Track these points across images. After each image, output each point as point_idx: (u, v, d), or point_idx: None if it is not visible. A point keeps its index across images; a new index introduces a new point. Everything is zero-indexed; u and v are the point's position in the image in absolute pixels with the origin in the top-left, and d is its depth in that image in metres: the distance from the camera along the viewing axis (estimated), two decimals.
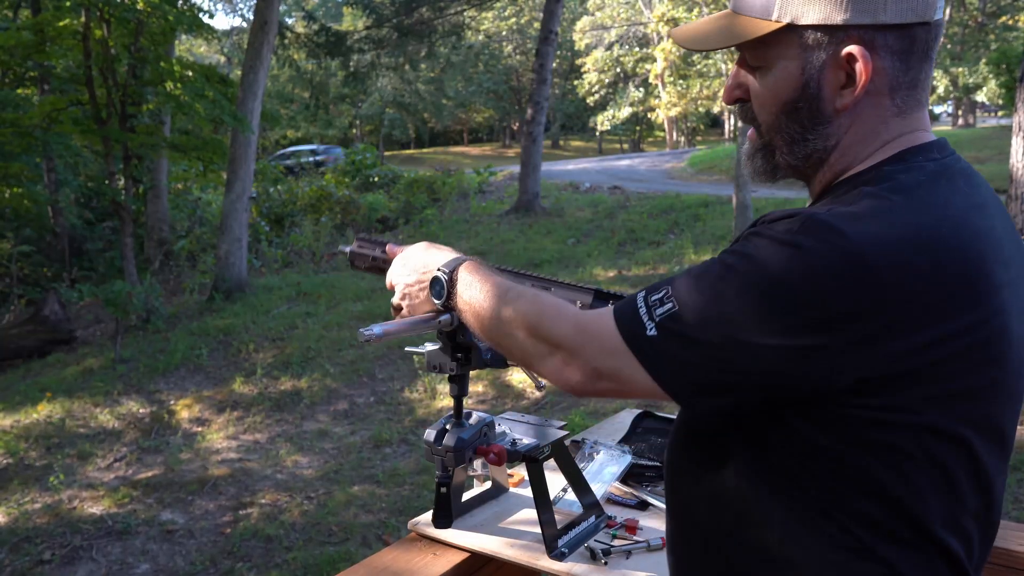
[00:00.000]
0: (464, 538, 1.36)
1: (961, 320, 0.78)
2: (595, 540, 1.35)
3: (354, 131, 37.34)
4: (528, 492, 1.37)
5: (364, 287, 9.37)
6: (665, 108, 29.74)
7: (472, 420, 1.36)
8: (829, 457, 0.81)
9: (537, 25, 25.77)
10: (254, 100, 9.46)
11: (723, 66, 26.62)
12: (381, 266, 1.33)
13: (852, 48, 0.84)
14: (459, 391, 1.34)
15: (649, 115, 33.81)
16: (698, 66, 28.53)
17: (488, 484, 1.54)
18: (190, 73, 9.59)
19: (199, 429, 6.02)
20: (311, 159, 23.30)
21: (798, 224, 0.79)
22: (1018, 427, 0.93)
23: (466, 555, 1.34)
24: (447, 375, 1.32)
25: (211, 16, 36.44)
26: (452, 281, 1.05)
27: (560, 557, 1.28)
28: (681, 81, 28.72)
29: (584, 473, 1.47)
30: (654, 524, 1.43)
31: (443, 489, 1.36)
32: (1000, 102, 19.66)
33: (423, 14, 15.23)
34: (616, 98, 33.15)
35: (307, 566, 3.85)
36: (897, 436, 0.80)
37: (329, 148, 25.33)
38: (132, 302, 8.15)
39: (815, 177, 0.93)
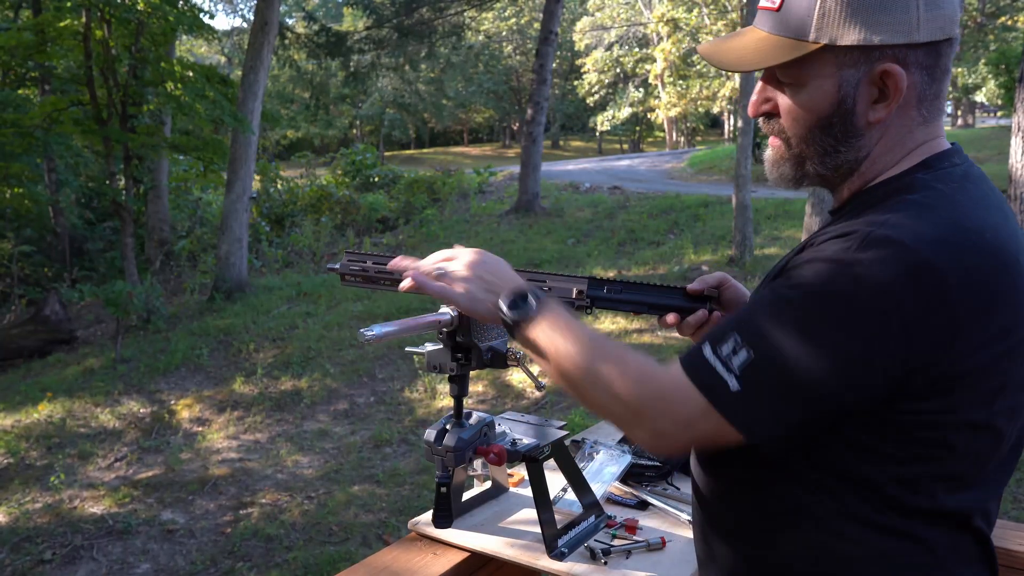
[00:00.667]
0: (464, 538, 1.36)
1: (1008, 318, 0.82)
2: (595, 540, 1.35)
3: (354, 131, 37.34)
4: (528, 492, 1.38)
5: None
6: (665, 108, 29.75)
7: (472, 420, 1.36)
8: (877, 456, 0.85)
9: (537, 25, 25.76)
10: (254, 100, 9.46)
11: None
12: (373, 277, 1.31)
13: (888, 66, 0.87)
14: (459, 391, 1.34)
15: (649, 115, 33.81)
16: (698, 67, 28.52)
17: (488, 484, 1.55)
18: (191, 73, 9.59)
19: (199, 429, 6.03)
20: None
21: (856, 242, 0.81)
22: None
23: (466, 555, 1.34)
24: (447, 375, 1.32)
25: (211, 17, 36.46)
26: (539, 312, 1.00)
27: (560, 557, 1.29)
28: (681, 81, 28.73)
29: (584, 473, 1.48)
30: (654, 524, 1.43)
31: (443, 489, 1.36)
32: (999, 102, 19.67)
33: (423, 14, 15.23)
34: (616, 98, 33.15)
35: (307, 566, 3.86)
36: (943, 433, 0.84)
37: None
38: (133, 302, 8.15)
39: (843, 184, 0.96)
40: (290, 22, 23.92)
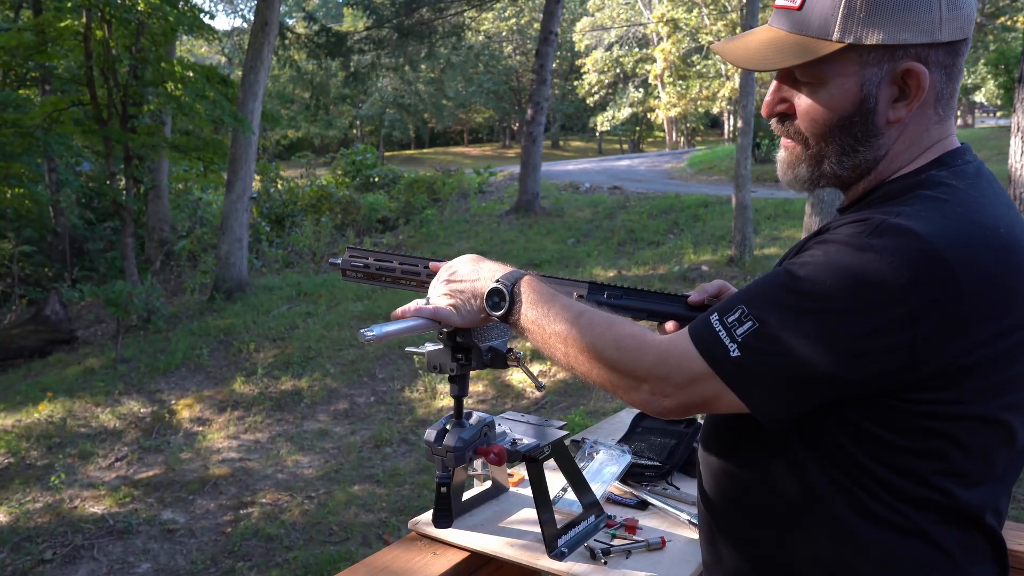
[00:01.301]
0: (464, 538, 1.37)
1: (1019, 313, 0.83)
2: (595, 540, 1.35)
3: (354, 131, 37.35)
4: (528, 492, 1.38)
5: (364, 287, 9.37)
6: (665, 108, 29.74)
7: (472, 420, 1.37)
8: (885, 449, 0.85)
9: (537, 26, 25.76)
10: (255, 101, 9.47)
11: (723, 67, 26.61)
12: (374, 274, 1.33)
13: (911, 65, 0.88)
14: (459, 391, 1.35)
15: (649, 115, 33.80)
16: (697, 67, 28.53)
17: (488, 484, 1.55)
18: (191, 74, 9.59)
19: (200, 429, 6.03)
20: None
21: (870, 228, 0.82)
22: None
23: (466, 555, 1.34)
24: (447, 375, 1.32)
25: (212, 17, 36.46)
26: (514, 296, 1.04)
27: (560, 557, 1.29)
28: (680, 82, 28.72)
29: (584, 473, 1.48)
30: (654, 524, 1.43)
31: (443, 489, 1.36)
32: (999, 102, 19.67)
33: (423, 15, 15.24)
34: (616, 98, 33.15)
35: (307, 565, 3.86)
36: (950, 426, 0.84)
37: None
38: (133, 302, 8.15)
39: (858, 183, 0.96)
40: (290, 22, 23.93)
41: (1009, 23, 23.31)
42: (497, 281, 1.06)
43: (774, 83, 0.97)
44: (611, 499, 1.53)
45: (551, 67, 12.79)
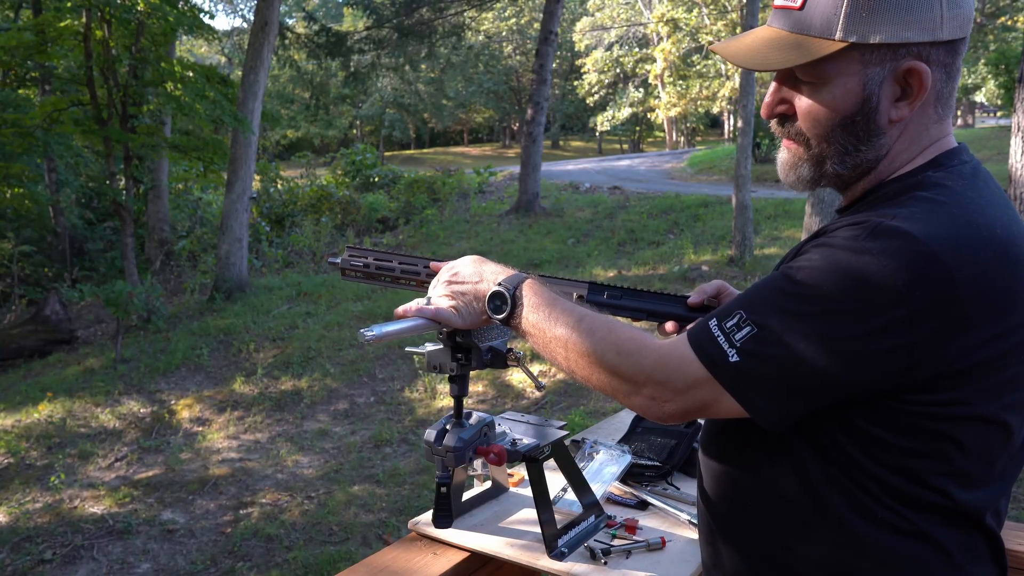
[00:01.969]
0: (464, 538, 1.37)
1: (1019, 313, 0.83)
2: (595, 540, 1.35)
3: (354, 131, 37.36)
4: (528, 492, 1.38)
5: (364, 287, 9.37)
6: (665, 108, 29.75)
7: (472, 420, 1.37)
8: (886, 450, 0.85)
9: (537, 26, 25.77)
10: (255, 101, 9.47)
11: (723, 67, 26.61)
12: (373, 273, 1.32)
13: (914, 63, 0.88)
14: (459, 391, 1.34)
15: (649, 115, 33.82)
16: (697, 67, 28.54)
17: (488, 484, 1.55)
18: (191, 74, 9.59)
19: (200, 429, 6.03)
20: None
21: (867, 231, 0.82)
22: None
23: (466, 555, 1.34)
24: (447, 375, 1.32)
25: (211, 17, 36.46)
26: (516, 299, 1.04)
27: (560, 557, 1.29)
28: (681, 81, 28.73)
29: (584, 473, 1.48)
30: (654, 524, 1.43)
31: (443, 489, 1.36)
32: (999, 102, 19.68)
33: (423, 15, 15.24)
34: (616, 98, 33.16)
35: (307, 565, 3.86)
36: (950, 427, 0.84)
37: None
38: (133, 302, 8.15)
39: (858, 183, 0.96)
40: (290, 22, 23.93)
41: (1009, 23, 23.31)
42: (499, 284, 1.06)
43: (773, 84, 0.97)
44: (611, 499, 1.53)
45: (551, 67, 12.79)
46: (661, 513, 1.48)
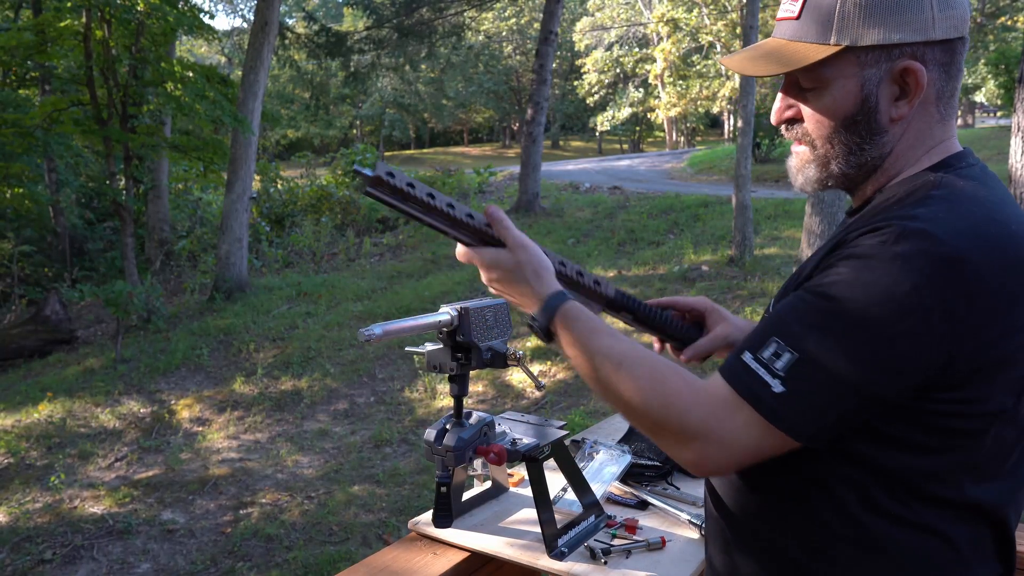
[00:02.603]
0: (464, 538, 1.37)
1: None
2: (595, 539, 1.35)
3: (354, 131, 37.35)
4: (528, 492, 1.38)
5: (364, 287, 9.37)
6: (665, 108, 29.75)
7: (472, 420, 1.37)
8: (907, 450, 0.85)
9: (537, 26, 25.78)
10: (254, 101, 9.46)
11: (723, 67, 26.57)
12: (410, 195, 1.04)
13: (908, 63, 0.91)
14: (459, 391, 1.35)
15: (649, 115, 33.81)
16: (697, 67, 28.54)
17: (488, 484, 1.55)
18: (191, 74, 9.59)
19: (200, 429, 6.03)
20: None
21: (893, 236, 0.82)
22: None
23: (466, 555, 1.34)
24: (447, 375, 1.32)
25: (211, 17, 36.47)
26: (551, 333, 1.05)
27: (560, 556, 1.29)
28: (681, 81, 28.72)
29: (584, 473, 1.48)
30: (654, 524, 1.43)
31: (443, 489, 1.36)
32: (999, 102, 19.67)
33: (423, 14, 15.23)
34: (616, 98, 33.16)
35: (307, 565, 3.86)
36: (971, 423, 0.85)
37: None
38: (133, 302, 8.15)
39: (866, 183, 0.99)
40: (290, 22, 23.94)
41: (1009, 23, 23.31)
42: (534, 319, 1.06)
43: (780, 93, 1.01)
44: (611, 499, 1.53)
45: (551, 67, 12.79)
46: (661, 513, 1.48)
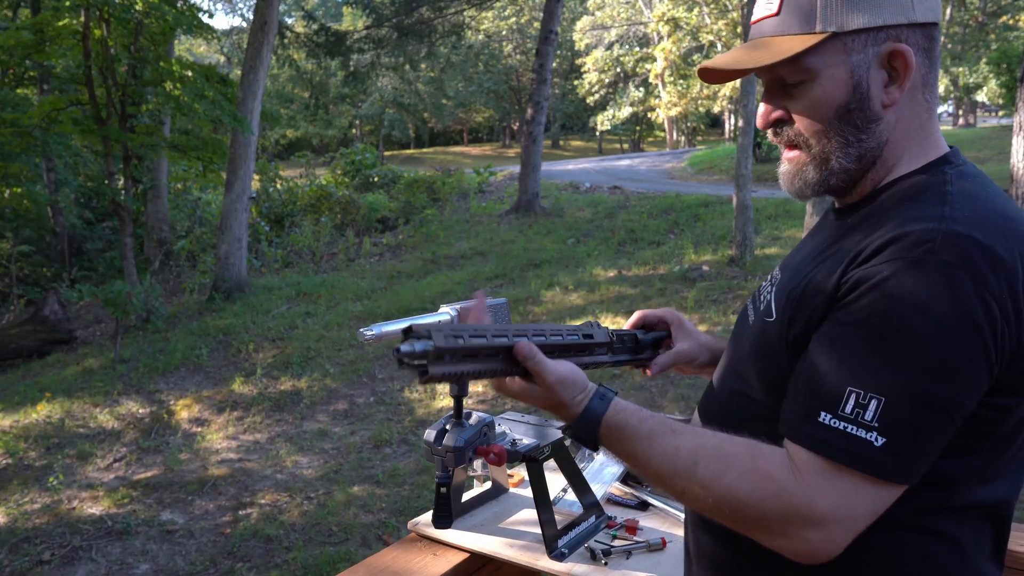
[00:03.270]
0: (464, 538, 1.36)
1: None
2: (595, 540, 1.35)
3: (354, 131, 37.37)
4: (528, 492, 1.37)
5: (364, 287, 9.37)
6: (665, 108, 29.77)
7: (472, 420, 1.36)
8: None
9: (537, 25, 25.78)
10: (254, 100, 9.46)
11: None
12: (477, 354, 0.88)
13: (896, 45, 0.90)
14: (459, 391, 1.34)
15: (649, 115, 33.84)
16: (698, 66, 28.55)
17: (488, 484, 1.54)
18: (190, 73, 9.59)
19: (199, 429, 6.02)
20: None
21: (937, 243, 0.78)
22: None
23: (466, 555, 1.34)
24: None
25: (211, 16, 36.46)
26: (597, 447, 0.93)
27: (560, 557, 1.28)
28: (681, 81, 28.74)
29: (584, 473, 1.47)
30: (654, 524, 1.42)
31: (443, 489, 1.35)
32: (1000, 102, 19.69)
33: (423, 14, 15.23)
34: (616, 98, 33.18)
35: (307, 566, 3.85)
36: (1004, 427, 0.83)
37: None
38: (132, 302, 8.14)
39: (865, 177, 0.95)
40: (289, 21, 23.93)
41: (1011, 22, 23.33)
42: (570, 428, 0.93)
43: (764, 95, 0.98)
44: (611, 500, 1.52)
45: (551, 66, 12.79)
46: (661, 514, 1.47)
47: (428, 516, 1.40)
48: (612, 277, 8.46)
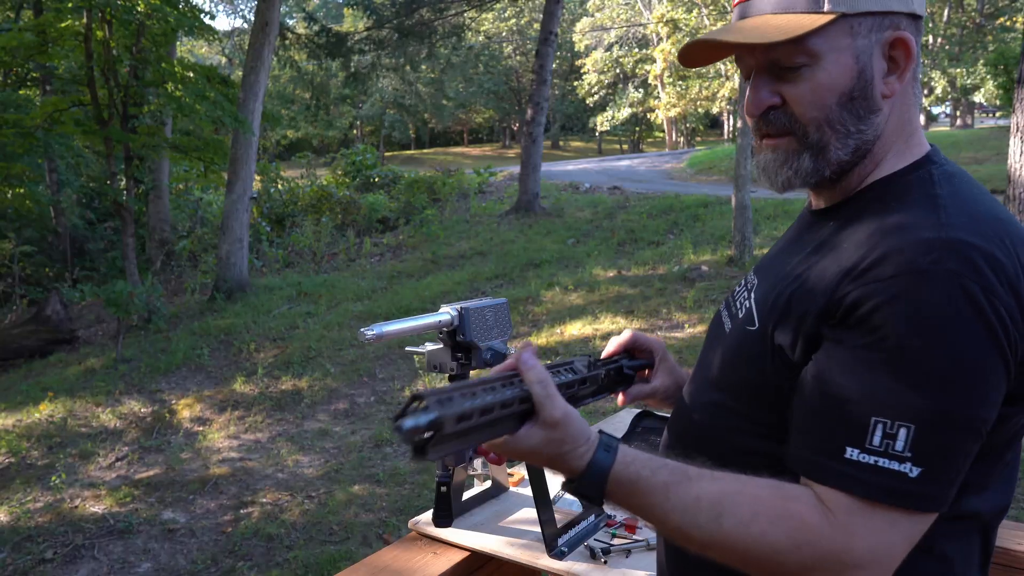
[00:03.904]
0: (464, 537, 1.37)
1: None
2: (595, 539, 1.36)
3: (355, 132, 37.35)
4: (528, 491, 1.39)
5: (364, 287, 9.38)
6: (664, 109, 29.74)
7: None
8: None
9: (537, 26, 25.76)
10: (255, 101, 9.47)
11: (722, 67, 26.60)
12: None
13: (900, 34, 0.85)
14: None
15: (648, 116, 33.81)
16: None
17: (488, 483, 1.55)
18: (191, 74, 9.60)
19: (200, 428, 6.04)
20: None
21: (940, 253, 0.75)
22: None
23: (466, 554, 1.35)
24: (447, 375, 1.33)
25: (212, 17, 36.46)
26: (601, 504, 0.85)
27: (560, 556, 1.29)
28: (680, 82, 28.72)
29: None
30: None
31: (443, 488, 1.37)
32: (998, 103, 19.67)
33: (423, 15, 15.24)
34: (616, 99, 33.16)
35: (308, 565, 3.87)
36: (1003, 437, 0.81)
37: None
38: (133, 302, 8.16)
39: (853, 172, 0.90)
40: (291, 23, 23.94)
41: (1008, 23, 23.31)
42: (571, 483, 0.84)
43: (754, 80, 0.90)
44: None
45: (551, 67, 12.79)
46: None
47: (428, 515, 1.42)
48: (612, 277, 8.47)
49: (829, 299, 0.80)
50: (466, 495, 1.48)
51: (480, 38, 32.40)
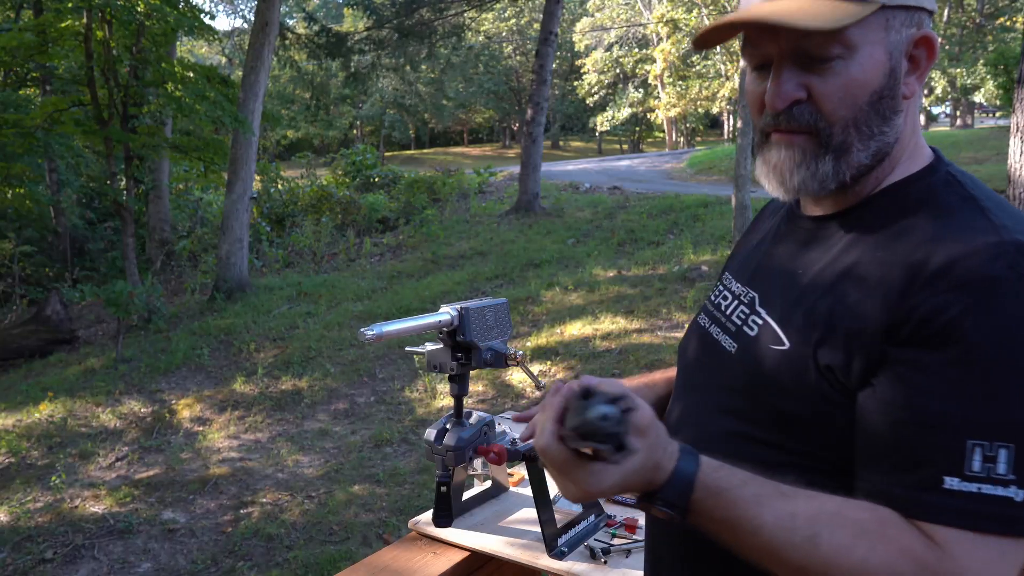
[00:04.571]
0: (464, 537, 1.37)
1: None
2: (595, 539, 1.36)
3: (355, 132, 37.37)
4: (528, 491, 1.39)
5: (364, 287, 9.38)
6: (664, 109, 29.77)
7: (472, 419, 1.37)
8: None
9: (537, 26, 25.76)
10: (255, 101, 9.47)
11: (722, 67, 26.60)
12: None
13: (928, 32, 0.80)
14: (459, 390, 1.35)
15: (648, 116, 33.83)
16: (697, 67, 28.55)
17: (488, 483, 1.55)
18: (191, 74, 9.61)
19: (200, 428, 6.04)
20: None
21: (1013, 257, 0.71)
22: None
23: (466, 554, 1.35)
24: (447, 374, 1.33)
25: (212, 17, 36.48)
26: (685, 517, 0.75)
27: (560, 556, 1.30)
28: (680, 82, 28.74)
29: None
30: None
31: (443, 488, 1.37)
32: (998, 103, 19.68)
33: (423, 15, 15.24)
34: (616, 99, 33.18)
35: (308, 565, 3.87)
36: None
37: None
38: (133, 302, 8.16)
39: (870, 176, 0.84)
40: (290, 23, 23.94)
41: (1008, 23, 23.32)
42: (649, 496, 0.75)
43: (777, 69, 0.82)
44: (611, 498, 1.54)
45: (551, 67, 12.80)
46: None
47: (428, 515, 1.42)
48: (612, 277, 8.47)
49: (893, 316, 0.73)
50: (466, 495, 1.48)
51: (480, 38, 32.42)
